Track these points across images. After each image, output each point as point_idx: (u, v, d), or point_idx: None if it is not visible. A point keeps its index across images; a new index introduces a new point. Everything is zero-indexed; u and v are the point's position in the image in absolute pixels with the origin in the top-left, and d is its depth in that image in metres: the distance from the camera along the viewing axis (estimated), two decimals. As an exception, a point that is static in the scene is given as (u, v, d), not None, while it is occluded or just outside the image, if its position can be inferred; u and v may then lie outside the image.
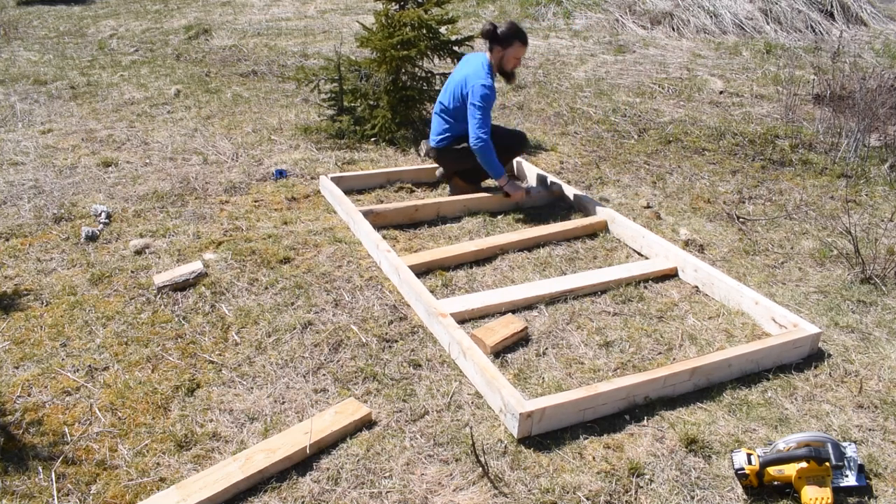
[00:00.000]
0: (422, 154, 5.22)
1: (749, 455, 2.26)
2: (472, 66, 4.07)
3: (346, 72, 5.58)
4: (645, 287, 3.48)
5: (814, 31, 10.45)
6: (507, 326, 3.00)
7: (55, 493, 2.17)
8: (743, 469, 2.24)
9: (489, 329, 2.98)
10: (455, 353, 2.83)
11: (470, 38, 5.63)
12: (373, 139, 5.43)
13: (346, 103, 5.59)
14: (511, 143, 4.39)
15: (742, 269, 3.72)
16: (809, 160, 5.41)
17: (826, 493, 2.17)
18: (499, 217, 4.23)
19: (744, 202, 4.65)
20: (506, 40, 4.04)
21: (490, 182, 4.49)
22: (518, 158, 5.07)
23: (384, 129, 5.37)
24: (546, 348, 2.97)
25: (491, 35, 4.04)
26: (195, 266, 3.38)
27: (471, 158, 4.15)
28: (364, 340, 2.97)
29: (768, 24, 10.47)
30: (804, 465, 2.21)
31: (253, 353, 2.87)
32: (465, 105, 4.06)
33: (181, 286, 3.29)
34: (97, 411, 2.52)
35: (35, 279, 3.37)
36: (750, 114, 6.66)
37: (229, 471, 2.21)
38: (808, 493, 2.18)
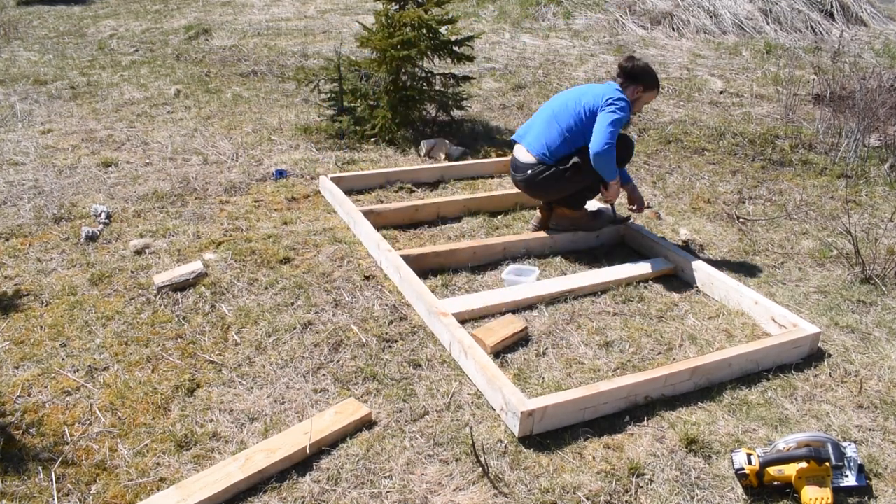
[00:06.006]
0: (422, 154, 5.23)
1: (749, 455, 2.26)
2: (602, 87, 3.64)
3: (346, 72, 5.58)
4: (645, 287, 3.48)
5: (814, 31, 10.45)
6: (507, 326, 3.00)
7: (55, 493, 2.17)
8: (743, 469, 2.24)
9: (489, 329, 2.98)
10: (456, 352, 2.83)
11: (470, 38, 5.63)
12: (373, 139, 5.43)
13: (346, 103, 5.60)
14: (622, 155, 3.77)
15: (742, 269, 3.72)
16: (809, 160, 5.41)
17: (826, 493, 2.17)
18: (498, 217, 4.23)
19: (744, 202, 4.65)
20: (650, 81, 3.63)
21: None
22: None
23: (384, 129, 5.37)
24: (546, 348, 2.97)
25: (631, 73, 3.60)
26: (195, 266, 3.38)
27: (573, 182, 3.67)
28: (364, 340, 2.97)
29: (768, 24, 10.47)
30: (804, 465, 2.21)
31: (253, 353, 2.87)
32: (585, 122, 3.58)
33: (181, 286, 3.29)
34: (97, 411, 2.52)
35: (35, 279, 3.37)
36: (750, 114, 6.66)
37: (229, 471, 2.21)
38: (808, 493, 2.18)
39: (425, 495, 2.21)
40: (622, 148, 3.68)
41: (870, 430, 2.58)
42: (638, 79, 3.62)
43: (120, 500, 2.16)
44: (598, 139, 3.47)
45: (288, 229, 3.95)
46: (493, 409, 2.58)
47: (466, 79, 5.92)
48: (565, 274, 3.59)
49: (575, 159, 3.60)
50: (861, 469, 2.29)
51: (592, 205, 4.13)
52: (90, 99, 6.48)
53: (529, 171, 3.70)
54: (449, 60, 5.59)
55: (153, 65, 7.97)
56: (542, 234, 3.85)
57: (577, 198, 3.81)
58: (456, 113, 5.88)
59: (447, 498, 2.20)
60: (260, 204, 4.30)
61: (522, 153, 3.75)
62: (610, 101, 3.51)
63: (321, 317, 3.12)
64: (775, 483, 2.25)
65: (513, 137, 3.88)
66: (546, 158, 3.63)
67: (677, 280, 3.59)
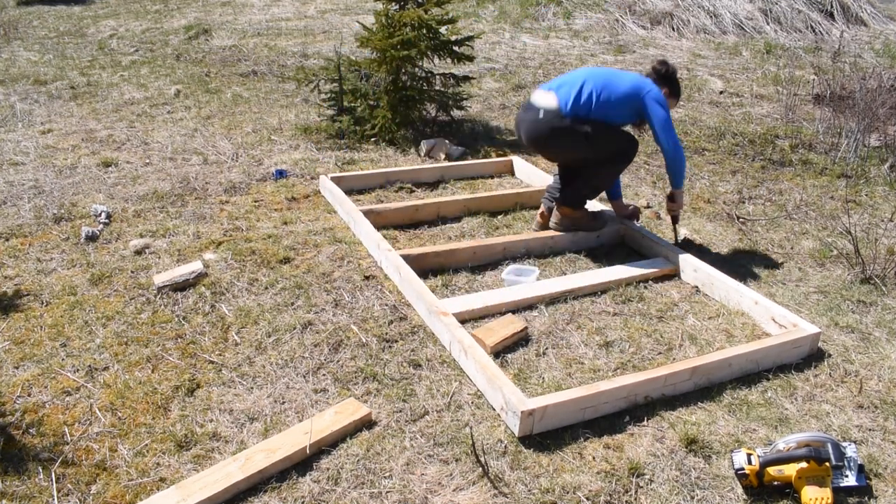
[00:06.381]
0: (422, 154, 5.22)
1: (749, 455, 2.26)
2: (638, 76, 3.65)
3: (346, 72, 5.58)
4: (645, 287, 3.48)
5: (814, 31, 10.45)
6: (507, 326, 3.00)
7: (55, 493, 2.17)
8: (743, 469, 2.24)
9: (489, 329, 2.98)
10: (456, 351, 2.83)
11: (470, 38, 5.63)
12: (373, 139, 5.43)
13: (346, 103, 5.60)
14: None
15: (742, 269, 3.72)
16: (809, 160, 5.41)
17: (826, 493, 2.17)
18: (498, 217, 4.23)
19: (744, 202, 4.65)
20: (676, 89, 3.75)
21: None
22: (522, 161, 4.96)
23: (384, 129, 5.37)
24: (546, 348, 2.97)
25: (665, 76, 3.71)
26: (195, 266, 3.38)
27: (575, 150, 3.62)
28: (364, 340, 2.97)
29: (768, 24, 10.47)
30: (804, 465, 2.21)
31: (253, 353, 2.87)
32: (616, 101, 3.54)
33: (181, 286, 3.29)
34: (97, 411, 2.52)
35: (35, 279, 3.37)
36: (750, 114, 6.66)
37: (229, 471, 2.21)
38: (808, 493, 2.18)
39: (425, 495, 2.21)
40: (630, 146, 3.69)
41: (870, 430, 2.58)
42: (668, 82, 3.69)
43: (120, 500, 2.16)
44: (668, 137, 3.54)
45: (288, 229, 3.95)
46: (493, 409, 2.58)
47: (466, 79, 5.92)
48: (565, 274, 3.59)
49: (587, 128, 3.50)
50: (861, 469, 2.29)
51: (594, 205, 4.12)
52: (90, 99, 6.48)
53: (542, 116, 3.54)
54: (449, 60, 5.59)
55: (153, 65, 7.97)
56: (542, 233, 3.85)
57: (577, 197, 3.80)
58: (456, 113, 5.89)
59: (447, 498, 2.20)
60: (260, 204, 4.30)
61: (544, 97, 3.59)
62: (656, 99, 3.53)
63: (321, 317, 3.12)
64: (775, 483, 2.25)
65: (541, 86, 3.71)
66: (566, 111, 3.49)
67: (677, 280, 3.59)
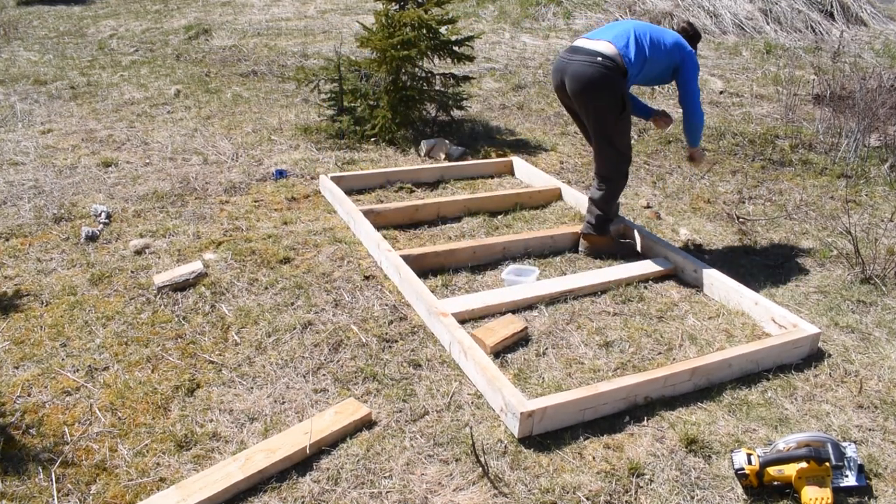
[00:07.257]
0: (422, 154, 5.22)
1: (749, 455, 2.26)
2: (675, 34, 3.59)
3: (346, 72, 5.58)
4: (645, 287, 3.48)
5: (814, 31, 10.45)
6: (507, 326, 3.00)
7: (55, 493, 2.17)
8: (743, 469, 2.24)
9: (489, 329, 2.98)
10: (456, 352, 2.83)
11: (470, 38, 5.63)
12: (373, 139, 5.43)
13: (346, 103, 5.60)
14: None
15: (742, 269, 3.72)
16: (809, 160, 5.41)
17: (826, 493, 2.17)
18: (498, 217, 4.23)
19: (744, 202, 4.65)
20: (695, 49, 3.67)
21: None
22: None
23: (384, 129, 5.37)
24: (546, 348, 2.97)
25: (692, 36, 3.71)
26: (195, 266, 3.38)
27: (613, 119, 3.48)
28: (364, 340, 2.97)
29: (768, 24, 10.47)
30: (804, 465, 2.21)
31: (253, 353, 2.87)
32: (659, 58, 3.47)
33: (181, 286, 3.29)
34: (97, 411, 2.52)
35: (35, 279, 3.37)
36: (750, 114, 6.66)
37: (229, 471, 2.21)
38: (808, 493, 2.18)
39: (425, 495, 2.21)
40: (630, 153, 3.67)
41: (870, 430, 2.58)
42: (693, 43, 3.69)
43: (120, 500, 2.16)
44: (698, 98, 3.58)
45: (288, 229, 3.95)
46: (493, 410, 2.58)
47: (466, 79, 5.92)
48: (565, 274, 3.59)
49: (627, 98, 3.45)
50: (861, 469, 2.29)
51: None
52: (90, 99, 6.48)
53: (600, 60, 3.32)
54: (449, 60, 5.59)
55: (153, 65, 7.97)
56: (542, 233, 3.85)
57: (600, 224, 3.72)
58: (456, 113, 5.89)
59: (447, 498, 2.20)
60: (260, 204, 4.30)
61: (597, 43, 3.40)
62: (694, 60, 3.54)
63: (321, 317, 3.12)
64: (775, 483, 2.25)
65: (585, 35, 3.56)
66: (628, 58, 3.33)
67: (677, 280, 3.59)
